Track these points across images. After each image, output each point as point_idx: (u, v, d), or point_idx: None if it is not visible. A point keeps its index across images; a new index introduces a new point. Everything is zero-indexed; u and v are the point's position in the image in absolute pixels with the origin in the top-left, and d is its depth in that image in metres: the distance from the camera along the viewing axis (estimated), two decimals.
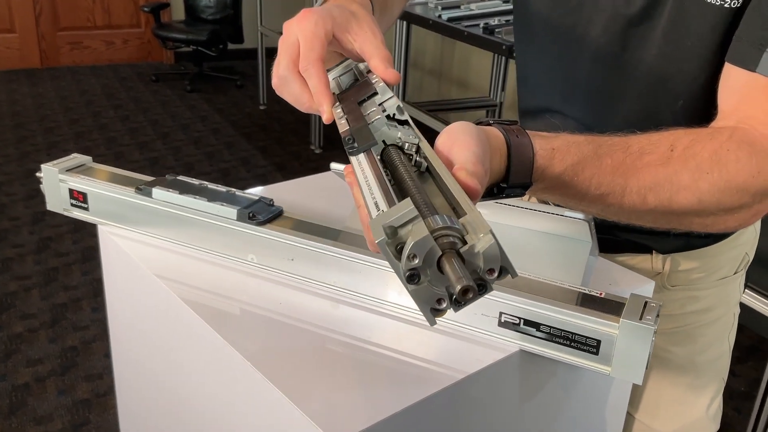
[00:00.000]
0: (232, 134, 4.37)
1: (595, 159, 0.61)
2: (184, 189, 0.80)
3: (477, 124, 0.63)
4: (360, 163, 0.54)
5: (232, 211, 0.76)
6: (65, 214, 0.87)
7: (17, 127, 4.23)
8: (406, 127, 0.56)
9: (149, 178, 0.84)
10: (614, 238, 0.87)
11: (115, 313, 0.93)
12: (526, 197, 1.03)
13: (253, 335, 0.68)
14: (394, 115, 0.58)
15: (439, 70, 4.43)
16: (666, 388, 0.91)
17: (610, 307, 0.65)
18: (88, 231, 2.89)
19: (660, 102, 0.79)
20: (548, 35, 0.86)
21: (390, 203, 0.45)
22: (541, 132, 0.63)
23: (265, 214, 0.77)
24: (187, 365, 0.77)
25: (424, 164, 0.54)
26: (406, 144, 0.55)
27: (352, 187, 0.53)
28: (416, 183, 0.49)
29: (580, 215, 0.76)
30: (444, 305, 0.43)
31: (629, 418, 0.90)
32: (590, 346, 0.64)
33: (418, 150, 0.55)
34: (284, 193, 0.89)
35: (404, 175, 0.50)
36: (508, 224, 0.82)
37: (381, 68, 0.61)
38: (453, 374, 0.63)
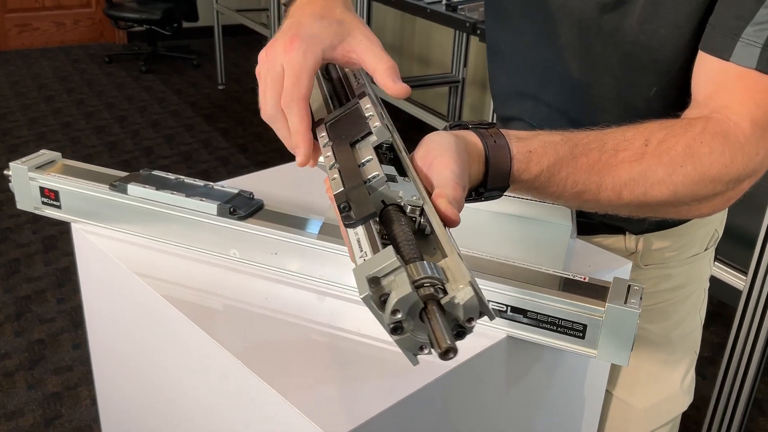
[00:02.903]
0: (192, 116, 4.29)
1: (571, 159, 0.62)
2: (161, 184, 0.78)
3: (453, 127, 0.63)
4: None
5: (212, 206, 0.75)
6: (36, 212, 0.85)
7: None
8: (407, 180, 0.53)
9: (122, 174, 0.82)
10: (589, 220, 0.88)
11: (92, 312, 0.91)
12: None
13: (240, 331, 0.68)
14: (391, 156, 0.56)
15: (400, 46, 4.40)
16: (642, 365, 0.93)
17: (595, 291, 0.66)
18: (48, 221, 2.82)
19: (634, 89, 0.79)
20: (523, 19, 0.86)
21: (374, 247, 0.45)
22: (519, 132, 0.63)
23: (245, 209, 0.76)
24: (172, 363, 0.77)
25: (428, 228, 0.50)
26: (409, 206, 0.50)
27: (332, 202, 0.52)
28: (403, 228, 0.48)
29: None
30: (426, 351, 0.44)
31: (607, 395, 0.92)
32: (576, 330, 0.65)
33: (422, 212, 0.50)
34: (262, 184, 0.88)
35: (395, 229, 0.48)
36: (489, 210, 0.83)
37: (389, 84, 0.59)
38: (443, 363, 0.64)
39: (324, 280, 0.73)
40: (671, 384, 0.95)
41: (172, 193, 0.77)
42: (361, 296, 0.41)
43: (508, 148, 0.60)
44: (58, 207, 0.83)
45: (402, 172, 0.56)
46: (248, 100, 4.62)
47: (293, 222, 0.75)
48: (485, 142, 0.60)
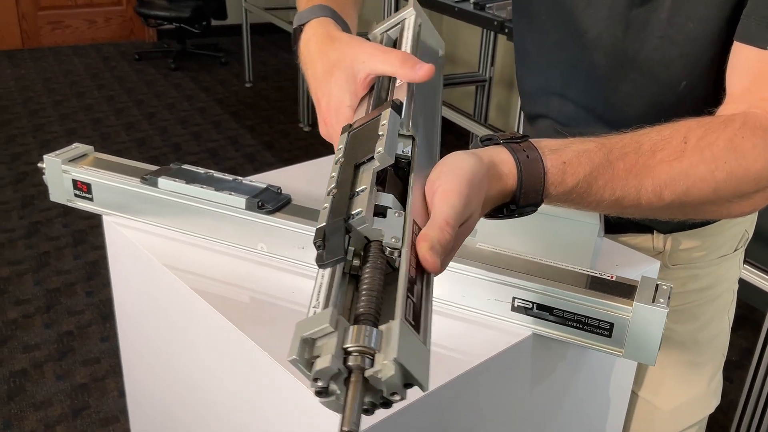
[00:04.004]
0: (219, 113, 4.33)
1: (607, 166, 0.60)
2: (191, 178, 0.80)
3: (483, 140, 0.61)
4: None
5: (240, 200, 0.76)
6: (69, 204, 0.86)
7: (0, 110, 4.17)
8: (396, 214, 0.49)
9: (153, 168, 0.83)
10: (618, 219, 0.88)
11: (122, 303, 0.93)
12: None
13: (266, 323, 0.68)
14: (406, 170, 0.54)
15: None
16: (668, 366, 0.92)
17: (622, 290, 0.66)
18: (78, 214, 2.87)
19: (663, 84, 0.79)
20: (550, 17, 0.86)
21: (326, 300, 0.43)
22: (551, 143, 0.60)
23: (273, 203, 0.77)
24: (199, 354, 0.78)
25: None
26: (387, 249, 0.46)
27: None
28: (373, 274, 0.45)
29: None
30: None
31: (633, 395, 0.91)
32: (603, 329, 0.65)
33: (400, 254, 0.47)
34: (289, 180, 0.89)
35: (366, 274, 0.45)
36: None
37: (411, 74, 0.59)
38: (469, 359, 0.64)
39: None
40: (698, 386, 0.94)
41: (201, 187, 0.78)
42: (288, 359, 0.40)
43: (541, 161, 0.58)
44: (90, 199, 0.84)
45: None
46: (275, 98, 4.65)
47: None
48: (517, 157, 0.57)
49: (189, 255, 0.79)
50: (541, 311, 0.67)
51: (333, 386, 0.39)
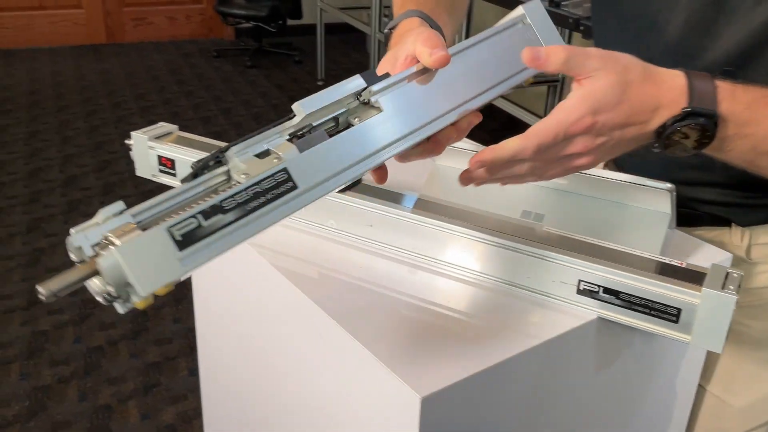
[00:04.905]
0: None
1: None
2: None
3: None
4: None
5: None
6: (153, 179, 0.91)
7: (86, 101, 4.37)
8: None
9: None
10: (693, 211, 0.86)
11: (200, 276, 0.97)
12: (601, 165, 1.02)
13: (336, 297, 0.71)
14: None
15: None
16: (742, 362, 0.90)
17: (692, 276, 0.65)
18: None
19: (755, 70, 0.77)
20: (635, 4, 0.85)
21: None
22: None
23: None
24: (274, 326, 0.81)
25: None
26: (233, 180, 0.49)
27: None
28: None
29: (663, 185, 0.76)
30: (119, 302, 0.44)
31: (701, 390, 0.89)
32: (670, 314, 0.64)
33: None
34: None
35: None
36: (588, 195, 0.83)
37: (424, 57, 0.59)
38: (531, 340, 0.64)
39: (416, 253, 0.75)
40: None
41: None
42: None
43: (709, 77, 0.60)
44: (173, 175, 0.89)
45: None
46: None
47: (389, 196, 0.78)
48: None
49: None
50: (608, 295, 0.67)
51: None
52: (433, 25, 0.71)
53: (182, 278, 0.45)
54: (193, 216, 0.44)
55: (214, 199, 0.46)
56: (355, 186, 0.80)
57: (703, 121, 0.59)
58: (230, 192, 0.46)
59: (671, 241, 0.81)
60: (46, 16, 5.47)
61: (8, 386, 2.02)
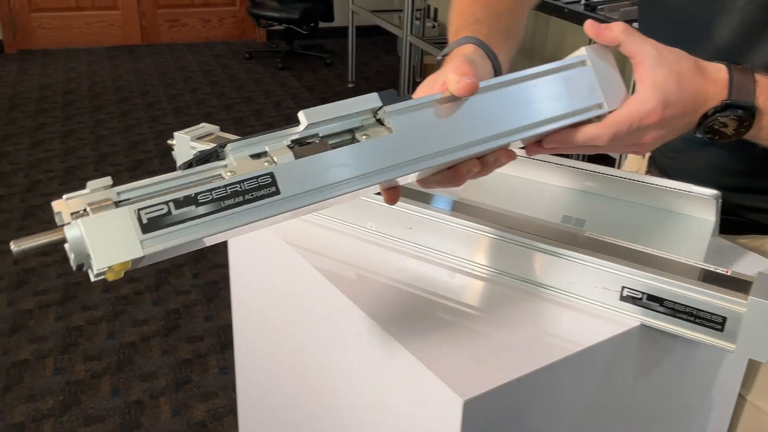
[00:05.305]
0: None
1: None
2: None
3: None
4: None
5: None
6: None
7: (120, 101, 4.44)
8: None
9: None
10: (738, 218, 0.85)
11: (238, 274, 0.98)
12: (641, 168, 1.01)
13: (375, 298, 0.71)
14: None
15: (531, 47, 4.35)
16: None
17: (737, 284, 0.64)
18: None
19: None
20: (685, 10, 0.84)
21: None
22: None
23: None
24: (310, 325, 0.81)
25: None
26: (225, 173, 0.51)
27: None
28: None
29: (709, 191, 0.75)
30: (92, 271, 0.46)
31: (741, 399, 0.88)
32: (716, 323, 0.64)
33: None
34: None
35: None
36: (630, 201, 0.82)
37: (452, 84, 0.57)
38: (573, 346, 0.64)
39: (455, 256, 0.76)
40: None
41: None
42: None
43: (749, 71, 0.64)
44: None
45: None
46: None
47: (428, 198, 0.78)
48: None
49: (302, 230, 0.83)
50: (651, 302, 0.66)
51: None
52: (488, 52, 0.69)
53: (145, 261, 0.46)
54: (165, 203, 0.46)
55: (189, 191, 0.46)
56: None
57: (741, 113, 0.63)
58: (208, 186, 0.47)
59: (714, 249, 0.80)
60: (83, 17, 5.58)
61: (43, 380, 2.06)
